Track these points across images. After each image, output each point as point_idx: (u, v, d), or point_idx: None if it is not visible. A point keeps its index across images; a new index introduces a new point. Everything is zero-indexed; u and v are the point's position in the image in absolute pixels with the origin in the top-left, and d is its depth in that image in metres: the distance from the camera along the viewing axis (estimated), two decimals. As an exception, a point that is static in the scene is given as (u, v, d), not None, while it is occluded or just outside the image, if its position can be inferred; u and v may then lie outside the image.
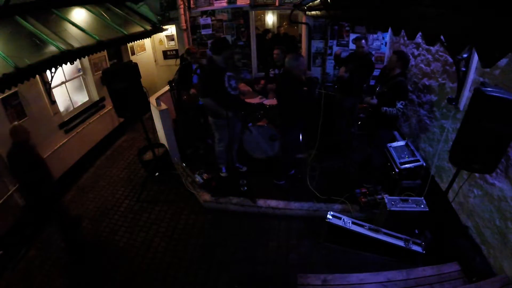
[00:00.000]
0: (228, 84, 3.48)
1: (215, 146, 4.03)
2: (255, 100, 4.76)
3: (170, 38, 7.26)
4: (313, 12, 4.17)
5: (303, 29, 6.07)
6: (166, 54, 7.48)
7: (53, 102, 4.29)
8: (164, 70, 7.38)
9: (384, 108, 3.16)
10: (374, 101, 3.24)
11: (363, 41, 4.03)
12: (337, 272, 2.50)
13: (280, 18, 9.76)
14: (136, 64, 3.52)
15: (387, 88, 3.21)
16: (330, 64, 5.83)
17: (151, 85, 5.98)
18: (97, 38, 4.02)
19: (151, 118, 5.06)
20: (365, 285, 2.32)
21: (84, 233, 3.63)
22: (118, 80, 3.31)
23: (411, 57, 4.07)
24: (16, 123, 3.05)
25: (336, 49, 5.60)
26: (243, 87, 4.95)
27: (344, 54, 4.61)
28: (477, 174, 2.59)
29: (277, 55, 4.44)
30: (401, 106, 3.12)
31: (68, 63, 3.51)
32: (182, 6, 5.71)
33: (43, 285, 3.04)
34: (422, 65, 3.79)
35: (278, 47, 4.50)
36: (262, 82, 4.84)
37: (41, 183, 3.05)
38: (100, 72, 5.22)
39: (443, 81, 3.28)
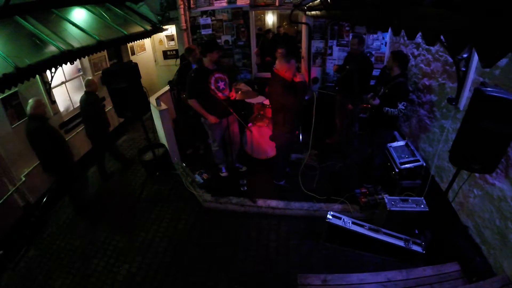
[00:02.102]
0: (215, 86, 3.49)
1: (211, 146, 4.05)
2: (256, 100, 4.76)
3: (170, 38, 7.26)
4: (313, 12, 4.17)
5: (303, 29, 6.07)
6: (166, 54, 7.48)
7: (53, 102, 4.29)
8: (164, 70, 7.38)
9: (386, 108, 3.17)
10: (377, 101, 3.23)
11: (356, 40, 4.06)
12: (337, 272, 2.50)
13: (280, 18, 9.76)
14: (136, 64, 3.53)
15: (388, 89, 3.22)
16: (330, 64, 5.83)
17: (151, 85, 5.98)
18: (97, 38, 4.02)
19: (151, 118, 5.06)
20: (365, 285, 2.32)
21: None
22: (118, 80, 3.31)
23: (411, 57, 4.07)
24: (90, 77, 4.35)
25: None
26: (243, 87, 4.95)
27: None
28: (477, 174, 2.59)
29: (281, 54, 4.45)
30: (403, 107, 3.12)
31: (68, 63, 3.51)
32: (182, 6, 5.71)
33: (43, 285, 3.05)
34: (422, 65, 3.79)
35: (282, 46, 4.50)
36: None
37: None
38: (100, 72, 5.22)
39: (443, 81, 3.28)
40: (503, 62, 2.29)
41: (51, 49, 3.38)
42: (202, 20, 6.05)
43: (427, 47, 3.67)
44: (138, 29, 5.10)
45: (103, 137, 4.39)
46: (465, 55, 2.65)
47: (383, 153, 3.68)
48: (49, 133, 3.38)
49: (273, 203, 3.72)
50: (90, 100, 4.05)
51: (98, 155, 4.57)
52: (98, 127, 4.24)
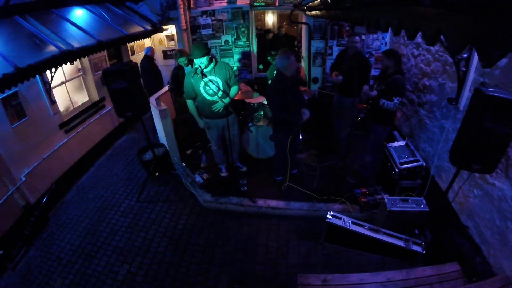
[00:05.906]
0: (205, 90, 3.46)
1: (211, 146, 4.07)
2: (256, 100, 4.76)
3: (170, 38, 7.26)
4: (313, 12, 4.17)
5: (303, 29, 6.07)
6: (166, 54, 7.47)
7: (53, 102, 4.29)
8: (164, 70, 7.37)
9: (383, 100, 3.25)
10: (374, 93, 3.31)
11: (357, 37, 3.95)
12: (337, 272, 2.50)
13: (280, 18, 9.76)
14: (136, 64, 3.53)
15: (384, 85, 3.29)
16: (330, 64, 5.83)
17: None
18: (97, 38, 4.02)
19: (151, 118, 5.06)
20: (365, 285, 2.32)
21: (85, 233, 3.65)
22: (118, 80, 3.31)
23: (411, 57, 4.08)
24: None
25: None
26: (243, 87, 4.95)
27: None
28: (477, 174, 2.59)
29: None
30: (397, 102, 3.21)
31: (68, 63, 3.51)
32: (182, 6, 5.71)
33: (43, 285, 3.05)
34: (422, 65, 3.79)
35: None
36: None
37: None
38: (100, 72, 5.22)
39: (443, 81, 3.28)
40: (503, 62, 2.29)
41: (51, 49, 3.38)
42: (202, 20, 6.05)
43: (427, 47, 3.67)
44: (138, 29, 5.10)
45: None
46: (465, 55, 2.65)
47: (377, 150, 3.69)
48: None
49: (273, 203, 3.72)
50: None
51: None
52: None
